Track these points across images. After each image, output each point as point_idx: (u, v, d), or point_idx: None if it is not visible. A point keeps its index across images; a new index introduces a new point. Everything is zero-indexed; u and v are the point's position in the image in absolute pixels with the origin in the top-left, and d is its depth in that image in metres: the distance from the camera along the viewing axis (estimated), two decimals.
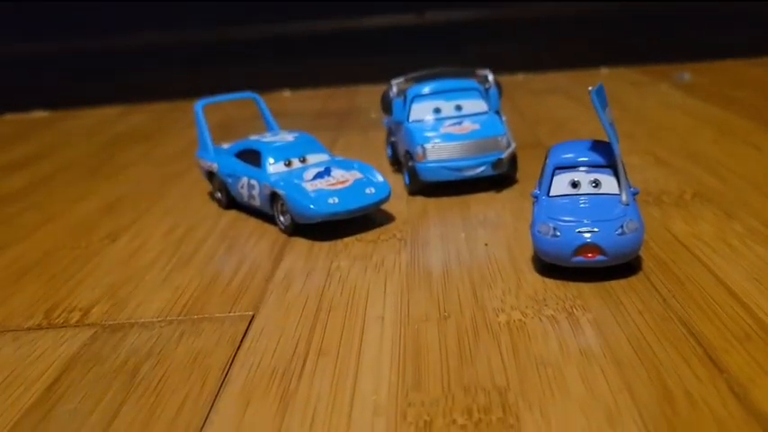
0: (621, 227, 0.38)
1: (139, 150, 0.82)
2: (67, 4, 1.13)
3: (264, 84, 1.12)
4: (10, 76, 1.17)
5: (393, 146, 0.62)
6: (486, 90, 0.58)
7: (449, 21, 1.12)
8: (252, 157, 0.52)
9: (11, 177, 0.74)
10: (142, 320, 0.38)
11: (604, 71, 1.10)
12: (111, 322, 0.38)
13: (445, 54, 1.10)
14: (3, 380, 0.33)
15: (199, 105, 0.57)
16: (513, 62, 1.12)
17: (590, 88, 0.39)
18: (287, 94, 1.14)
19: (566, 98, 0.91)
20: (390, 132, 0.62)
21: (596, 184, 0.40)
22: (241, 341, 0.35)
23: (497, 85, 0.59)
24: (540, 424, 0.27)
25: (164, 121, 1.01)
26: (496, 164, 0.53)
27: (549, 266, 0.40)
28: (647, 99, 0.89)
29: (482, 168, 0.53)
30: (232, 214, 0.55)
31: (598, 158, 0.41)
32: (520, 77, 1.10)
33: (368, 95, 1.02)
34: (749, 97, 0.84)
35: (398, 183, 0.58)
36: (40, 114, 1.14)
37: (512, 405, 0.29)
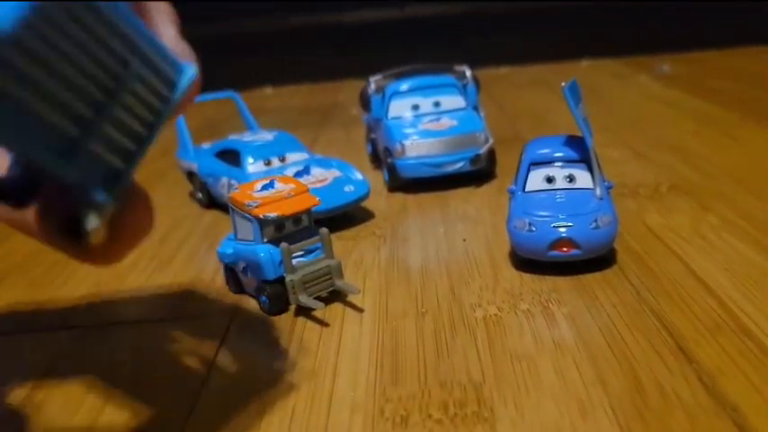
0: (595, 221, 0.39)
1: None
2: None
3: (247, 80, 1.12)
4: None
5: (373, 142, 0.62)
6: (464, 86, 0.58)
7: (431, 15, 1.12)
8: (231, 156, 0.52)
9: None
10: (125, 321, 0.39)
11: (585, 63, 1.11)
12: (94, 323, 0.39)
13: (428, 48, 1.10)
14: None
15: None
16: (495, 55, 1.12)
17: (563, 84, 0.40)
18: (269, 90, 1.14)
19: (547, 91, 0.92)
20: (370, 129, 0.62)
21: (571, 178, 0.41)
22: (222, 339, 0.36)
23: (475, 80, 0.59)
24: (514, 417, 0.28)
25: None
26: (475, 159, 0.54)
27: (525, 261, 0.40)
28: (627, 91, 0.90)
29: (461, 164, 0.54)
30: (213, 213, 0.55)
31: (572, 153, 0.41)
32: (502, 70, 1.11)
33: (351, 91, 1.02)
34: (729, 88, 0.85)
35: (378, 179, 0.58)
36: None
37: (486, 399, 0.29)
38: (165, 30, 0.23)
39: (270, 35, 1.14)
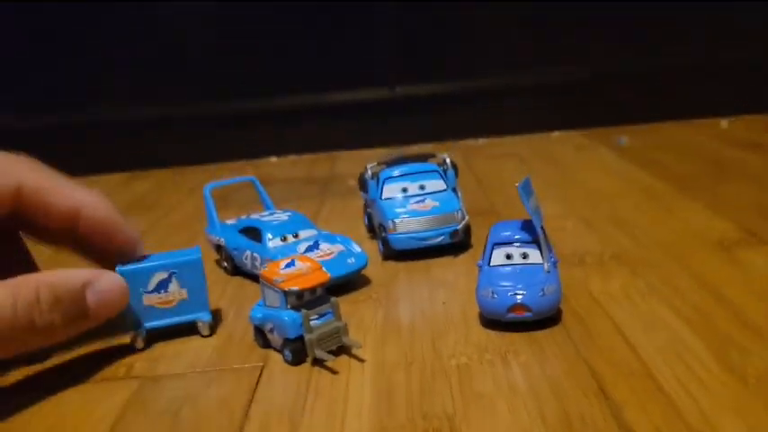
0: (543, 290, 0.50)
1: (150, 219, 0.93)
2: (67, 79, 1.24)
3: (253, 151, 1.24)
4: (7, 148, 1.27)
5: (369, 216, 0.74)
6: (445, 171, 0.70)
7: (418, 94, 1.25)
8: (253, 233, 0.63)
9: (36, 248, 0.84)
10: (176, 372, 0.49)
11: (555, 135, 1.24)
12: (151, 375, 0.49)
13: (415, 123, 1.22)
14: (76, 422, 0.44)
15: (207, 189, 0.68)
16: (475, 128, 1.25)
17: (516, 184, 0.51)
18: (273, 160, 1.26)
19: (519, 162, 1.04)
20: (366, 205, 0.74)
21: (525, 256, 0.52)
22: (256, 386, 0.46)
23: (454, 166, 0.71)
24: None
25: (166, 187, 1.12)
26: (453, 234, 0.66)
27: (490, 321, 0.51)
28: (587, 163, 1.02)
29: (442, 238, 0.65)
30: (237, 280, 0.66)
31: (526, 236, 0.53)
32: (480, 142, 1.24)
33: (347, 162, 1.14)
34: (671, 160, 0.98)
35: (374, 249, 0.69)
36: None
37: (457, 428, 0.39)
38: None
39: (273, 112, 1.26)
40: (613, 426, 0.38)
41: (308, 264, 0.50)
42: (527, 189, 0.52)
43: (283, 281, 0.48)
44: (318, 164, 1.19)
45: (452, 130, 1.23)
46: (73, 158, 1.23)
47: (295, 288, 0.48)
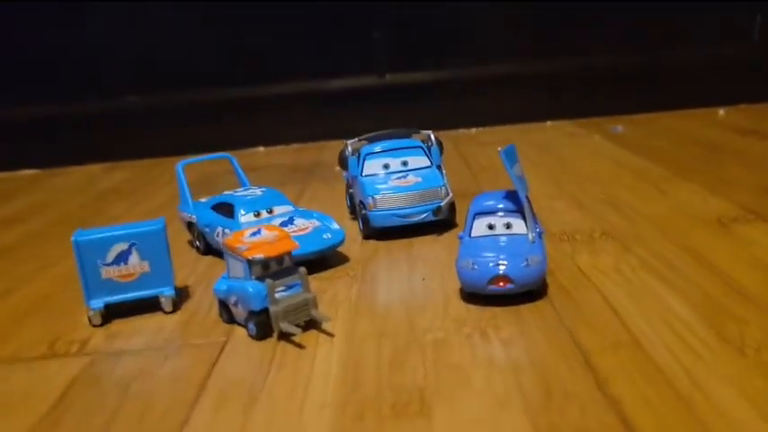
0: (526, 260, 0.47)
1: (125, 205, 0.90)
2: (49, 71, 1.22)
3: (241, 141, 1.21)
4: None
5: (351, 197, 0.70)
6: (429, 147, 0.67)
7: (409, 82, 1.23)
8: (226, 209, 0.60)
9: (4, 233, 0.81)
10: (132, 349, 0.46)
11: (549, 124, 1.22)
12: (106, 351, 0.46)
13: (405, 111, 1.20)
14: (20, 396, 0.41)
15: (179, 165, 0.66)
16: (468, 118, 1.22)
17: (499, 149, 0.49)
18: (261, 149, 1.24)
19: None
20: (348, 185, 0.71)
21: (508, 226, 0.49)
22: (216, 361, 0.43)
23: (438, 142, 0.68)
24: (447, 412, 0.35)
25: (146, 176, 1.09)
26: (436, 211, 0.62)
27: (472, 295, 0.48)
28: (580, 149, 0.99)
29: (424, 215, 0.62)
30: (209, 259, 0.63)
31: (510, 205, 0.50)
32: (472, 131, 1.21)
33: (333, 151, 1.11)
34: (667, 146, 0.95)
35: (355, 228, 0.66)
36: (27, 173, 1.22)
37: (427, 400, 0.36)
38: None
39: (261, 102, 1.24)
40: (597, 396, 0.35)
41: (276, 232, 0.47)
42: (510, 156, 0.50)
43: (247, 249, 0.45)
44: (305, 152, 1.17)
45: (444, 118, 1.20)
46: (61, 150, 1.23)
47: (259, 256, 0.44)
